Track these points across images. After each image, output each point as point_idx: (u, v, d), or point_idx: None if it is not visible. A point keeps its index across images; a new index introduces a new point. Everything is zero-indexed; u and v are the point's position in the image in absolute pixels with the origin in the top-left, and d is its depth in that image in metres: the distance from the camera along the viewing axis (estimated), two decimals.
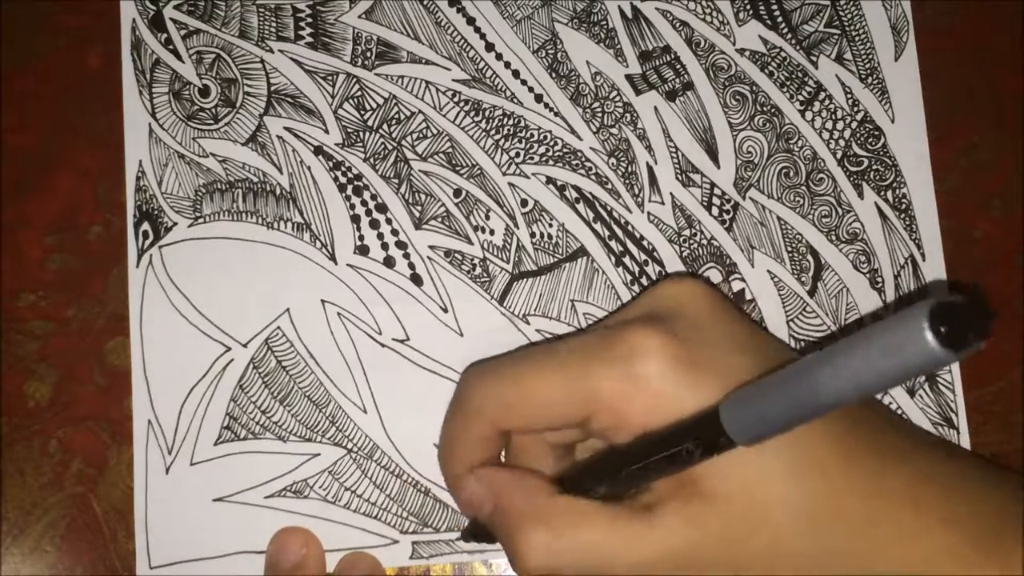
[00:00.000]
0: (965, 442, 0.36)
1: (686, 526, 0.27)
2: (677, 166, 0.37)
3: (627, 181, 0.37)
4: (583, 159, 0.37)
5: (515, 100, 0.37)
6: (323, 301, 0.36)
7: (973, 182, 0.38)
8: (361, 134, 0.37)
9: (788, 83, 0.38)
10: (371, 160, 0.37)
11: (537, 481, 0.30)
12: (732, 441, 0.24)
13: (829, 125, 0.38)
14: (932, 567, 0.26)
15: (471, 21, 0.38)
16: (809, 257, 0.37)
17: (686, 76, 0.38)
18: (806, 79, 0.38)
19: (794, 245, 0.37)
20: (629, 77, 0.38)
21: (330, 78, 0.37)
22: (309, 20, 0.38)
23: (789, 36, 0.38)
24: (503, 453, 0.33)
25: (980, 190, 0.38)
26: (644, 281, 0.37)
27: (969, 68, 0.38)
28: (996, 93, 0.38)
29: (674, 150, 0.37)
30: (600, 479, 0.29)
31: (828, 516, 0.27)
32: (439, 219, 0.37)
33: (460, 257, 0.37)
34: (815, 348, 0.30)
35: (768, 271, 0.37)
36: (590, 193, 0.37)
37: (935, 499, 0.27)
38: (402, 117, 0.37)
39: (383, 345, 0.36)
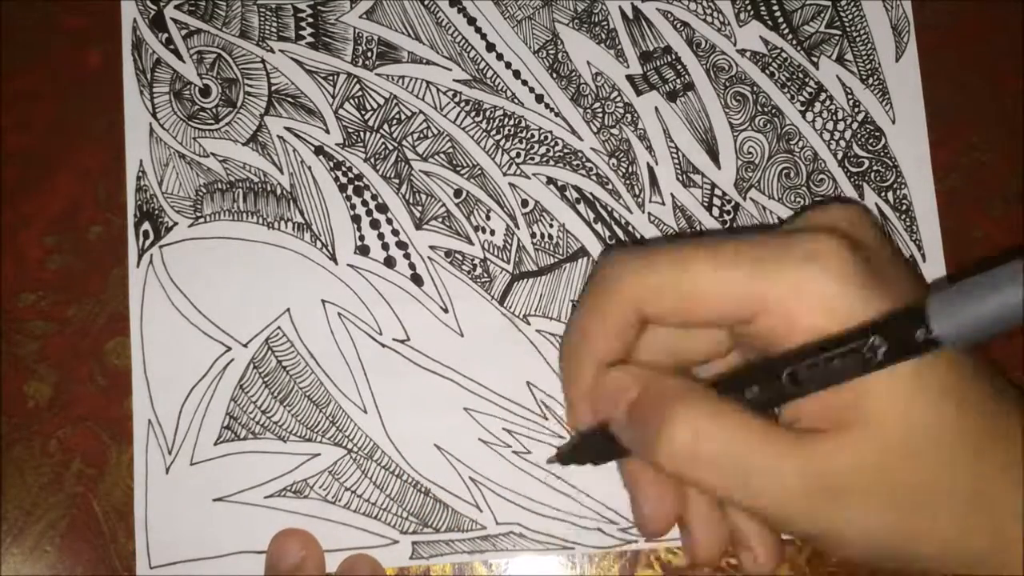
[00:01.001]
0: None
1: (837, 451, 0.26)
2: (678, 166, 0.37)
3: (628, 181, 0.37)
4: (584, 159, 0.37)
5: (516, 100, 0.37)
6: (323, 301, 0.36)
7: (973, 182, 0.38)
8: (362, 134, 0.37)
9: (789, 84, 0.38)
10: (372, 160, 0.37)
11: (687, 378, 0.29)
12: (933, 341, 0.23)
13: (830, 126, 0.38)
14: None
15: (472, 21, 0.38)
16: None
17: (687, 76, 0.38)
18: (807, 80, 0.38)
19: None
20: (630, 77, 0.38)
21: (331, 78, 0.37)
22: (310, 20, 0.38)
23: (790, 37, 0.38)
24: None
25: (980, 190, 0.38)
26: None
27: (969, 68, 0.38)
28: (996, 93, 0.38)
29: (675, 150, 0.37)
30: (754, 382, 0.27)
31: (973, 456, 0.26)
32: (440, 219, 0.37)
33: (460, 257, 0.37)
34: None
35: None
36: (591, 193, 0.37)
37: None
38: (403, 117, 0.37)
39: (383, 345, 0.36)
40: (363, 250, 0.36)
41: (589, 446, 0.31)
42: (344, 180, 0.37)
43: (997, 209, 0.38)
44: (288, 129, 0.37)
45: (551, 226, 0.37)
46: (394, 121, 0.37)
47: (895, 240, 0.37)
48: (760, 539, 0.29)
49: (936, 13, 0.38)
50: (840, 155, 0.37)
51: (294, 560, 0.34)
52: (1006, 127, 0.38)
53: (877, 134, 0.38)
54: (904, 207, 0.37)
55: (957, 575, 0.27)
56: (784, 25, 0.38)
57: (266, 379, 0.36)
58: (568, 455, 0.32)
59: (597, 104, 0.37)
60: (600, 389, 0.29)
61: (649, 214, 0.37)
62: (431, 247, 0.37)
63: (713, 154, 0.37)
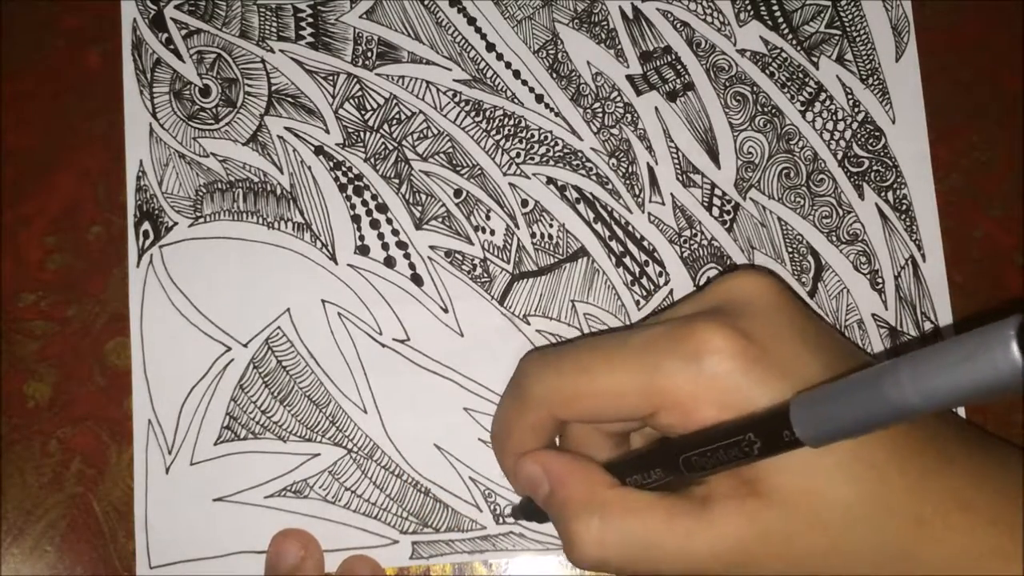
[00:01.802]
0: None
1: (744, 523, 0.27)
2: (678, 166, 0.37)
3: (628, 181, 0.37)
4: (584, 159, 0.37)
5: (516, 100, 0.37)
6: (323, 301, 0.36)
7: (973, 182, 0.38)
8: (362, 134, 0.37)
9: (789, 84, 0.38)
10: (372, 160, 0.37)
11: (594, 469, 0.30)
12: (797, 441, 0.24)
13: (830, 126, 0.38)
14: (980, 567, 0.26)
15: (472, 21, 0.38)
16: (809, 258, 0.37)
17: (687, 76, 0.38)
18: (807, 80, 0.38)
19: (794, 246, 0.37)
20: (630, 77, 0.38)
21: (331, 78, 0.37)
22: (310, 20, 0.38)
23: (790, 37, 0.38)
24: (557, 438, 0.33)
25: (980, 190, 0.38)
26: (644, 282, 0.37)
27: (969, 68, 0.38)
28: (996, 93, 0.38)
29: (675, 150, 0.37)
30: (655, 465, 0.29)
31: (882, 516, 0.27)
32: (440, 219, 0.37)
33: (460, 257, 0.37)
34: (886, 356, 0.30)
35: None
36: (591, 193, 0.37)
37: (986, 501, 0.27)
38: (403, 117, 0.37)
39: (383, 345, 0.36)
40: (363, 250, 0.36)
41: (530, 510, 0.33)
42: (344, 180, 0.37)
43: (997, 209, 0.38)
44: (288, 129, 0.37)
45: (551, 226, 0.37)
46: (394, 121, 0.37)
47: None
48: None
49: (936, 13, 0.38)
50: (840, 155, 0.37)
51: (294, 560, 0.34)
52: (1006, 127, 0.38)
53: (877, 134, 0.38)
54: (904, 207, 0.37)
55: None
56: (784, 25, 0.38)
57: (266, 379, 0.36)
58: (520, 512, 0.35)
59: (597, 104, 0.37)
60: (518, 478, 0.32)
61: (649, 214, 0.37)
62: (431, 247, 0.37)
63: (713, 154, 0.37)
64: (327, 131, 0.37)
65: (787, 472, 0.27)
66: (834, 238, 0.37)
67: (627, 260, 0.37)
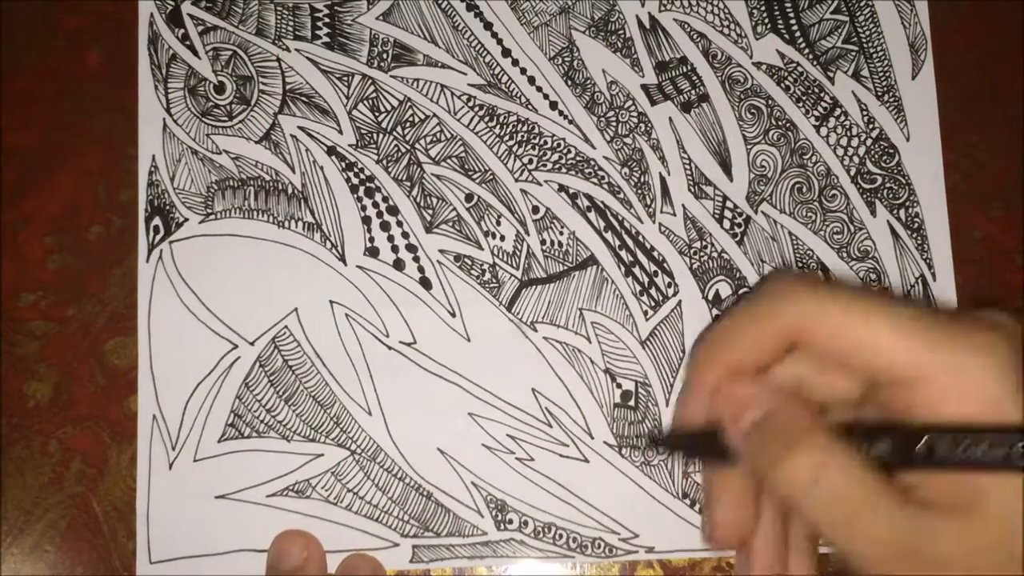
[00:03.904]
0: None
1: (951, 535, 0.26)
2: (690, 178, 0.37)
3: (639, 191, 0.37)
4: (596, 167, 0.37)
5: (530, 106, 0.37)
6: (331, 302, 0.36)
7: (973, 182, 0.38)
8: (375, 136, 0.37)
9: (804, 98, 0.38)
10: (384, 162, 0.37)
11: (814, 413, 0.29)
12: None
13: (844, 141, 0.37)
14: None
15: (488, 26, 0.38)
16: (820, 273, 0.37)
17: (702, 88, 0.38)
18: (822, 95, 0.38)
19: (805, 261, 0.37)
20: (645, 87, 0.38)
21: (345, 79, 0.37)
22: (326, 20, 0.38)
23: (806, 51, 0.38)
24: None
25: (980, 190, 0.38)
26: (653, 292, 0.36)
27: (970, 68, 0.38)
28: (996, 93, 0.38)
29: (687, 161, 0.37)
30: (890, 438, 0.27)
31: None
32: (450, 223, 0.37)
33: (470, 262, 0.37)
34: None
35: None
36: (602, 202, 0.37)
37: None
38: (416, 120, 0.37)
39: (390, 348, 0.36)
40: (372, 252, 0.36)
41: (689, 442, 0.31)
42: (356, 181, 0.37)
43: (997, 209, 0.38)
44: (301, 128, 0.37)
45: (561, 233, 0.37)
46: (407, 124, 0.37)
47: None
48: (799, 565, 0.31)
49: (937, 13, 0.38)
50: (853, 171, 0.37)
51: (296, 561, 0.34)
52: (1006, 127, 0.38)
53: (891, 151, 0.37)
54: (916, 225, 0.37)
55: None
56: (801, 39, 0.38)
57: (272, 378, 0.36)
58: (662, 441, 0.33)
59: (611, 113, 0.37)
60: (727, 395, 0.30)
61: (660, 224, 0.37)
62: (441, 251, 0.37)
63: (726, 166, 0.37)
64: (340, 131, 0.37)
65: (1009, 498, 0.25)
66: (845, 254, 0.37)
67: (636, 270, 0.37)
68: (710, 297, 0.36)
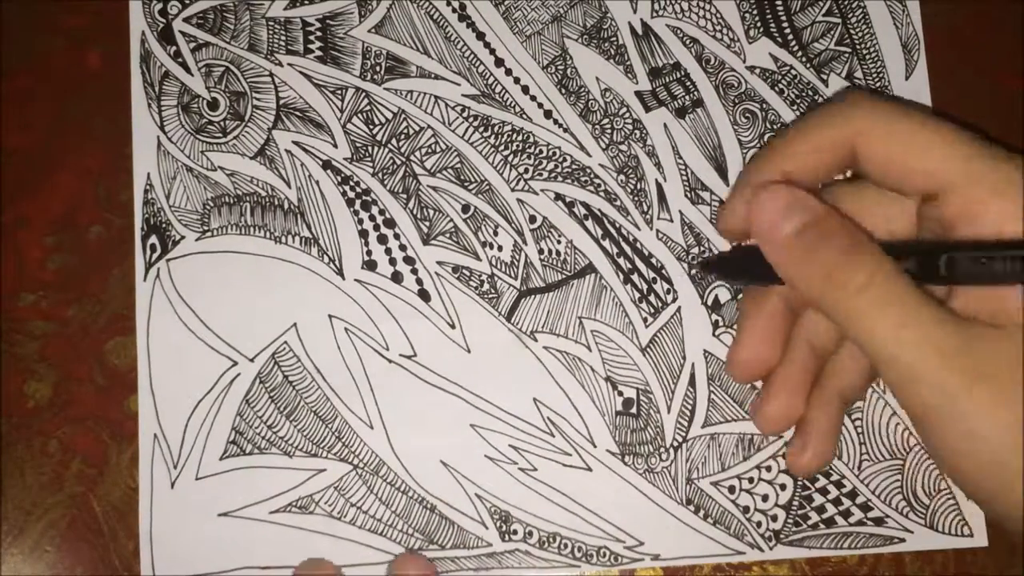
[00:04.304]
0: None
1: (990, 340, 0.27)
2: (686, 183, 0.37)
3: (636, 198, 0.37)
4: (592, 175, 0.37)
5: (524, 116, 0.37)
6: (330, 316, 0.36)
7: None
8: (370, 149, 0.37)
9: (798, 101, 0.38)
10: (379, 175, 0.37)
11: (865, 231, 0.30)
12: None
13: None
14: None
15: (481, 36, 0.38)
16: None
17: (696, 93, 0.38)
18: (816, 97, 0.38)
19: None
20: (639, 94, 0.37)
21: (339, 92, 0.37)
22: (319, 34, 0.38)
23: (800, 54, 0.38)
24: None
25: None
26: (652, 299, 0.36)
27: (969, 68, 0.38)
28: (996, 93, 0.38)
29: (683, 167, 0.37)
30: (915, 254, 0.29)
31: None
32: (447, 235, 0.37)
33: (468, 273, 0.36)
34: None
35: None
36: (599, 210, 0.37)
37: None
38: (411, 132, 0.37)
39: (390, 361, 0.36)
40: (370, 265, 0.36)
41: (735, 262, 0.32)
42: (352, 195, 0.37)
43: None
44: (296, 143, 0.37)
45: (559, 242, 0.37)
46: (402, 136, 0.37)
47: None
48: (821, 437, 0.32)
49: (936, 13, 0.38)
50: (848, 173, 0.37)
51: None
52: (1006, 127, 0.38)
53: None
54: None
55: None
56: (794, 42, 0.38)
57: (272, 394, 0.36)
58: (714, 264, 0.34)
59: (606, 120, 0.37)
60: (773, 196, 0.30)
61: (657, 231, 0.37)
62: (438, 262, 0.36)
63: (722, 171, 0.37)
64: (335, 145, 0.37)
65: None
66: None
67: (635, 277, 0.37)
68: (709, 303, 0.36)
